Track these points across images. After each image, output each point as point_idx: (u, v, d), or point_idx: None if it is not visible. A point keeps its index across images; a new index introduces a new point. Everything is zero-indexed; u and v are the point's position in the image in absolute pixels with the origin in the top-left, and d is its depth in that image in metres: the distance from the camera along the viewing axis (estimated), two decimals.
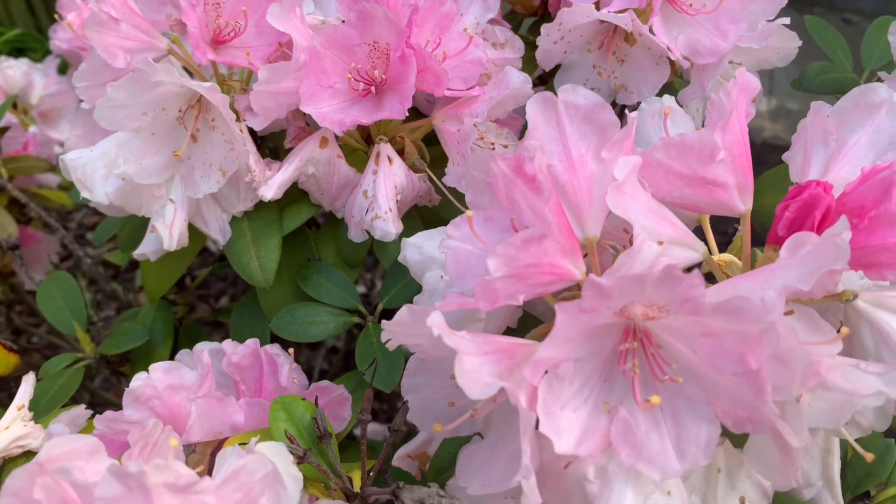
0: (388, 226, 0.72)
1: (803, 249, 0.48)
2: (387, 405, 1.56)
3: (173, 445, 0.45)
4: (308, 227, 0.87)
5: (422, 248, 0.64)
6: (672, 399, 0.48)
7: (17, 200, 1.41)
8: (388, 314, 0.83)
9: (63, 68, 1.83)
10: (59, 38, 1.48)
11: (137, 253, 0.79)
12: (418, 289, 0.63)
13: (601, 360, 0.49)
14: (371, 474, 0.51)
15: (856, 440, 0.67)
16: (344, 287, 0.79)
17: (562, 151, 0.55)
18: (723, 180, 0.56)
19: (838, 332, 0.50)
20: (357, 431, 0.58)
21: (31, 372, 0.78)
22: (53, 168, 1.60)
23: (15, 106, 1.73)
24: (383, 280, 0.81)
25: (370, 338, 0.76)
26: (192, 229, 0.80)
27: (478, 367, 0.45)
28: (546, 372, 0.47)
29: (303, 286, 0.79)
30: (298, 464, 0.47)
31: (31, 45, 2.76)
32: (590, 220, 0.55)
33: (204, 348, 0.67)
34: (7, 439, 0.72)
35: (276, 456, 0.46)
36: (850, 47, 0.96)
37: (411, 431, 0.72)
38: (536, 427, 0.48)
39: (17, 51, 2.66)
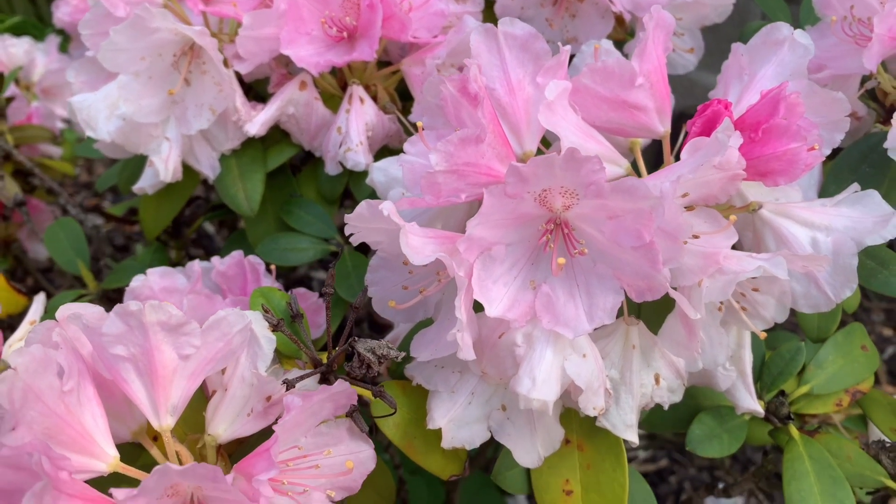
0: (358, 157, 0.81)
1: (697, 150, 0.57)
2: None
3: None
4: (292, 172, 0.96)
5: (387, 171, 0.72)
6: (587, 277, 0.57)
7: (22, 171, 1.49)
8: (364, 245, 0.92)
9: (64, 47, 1.91)
10: (62, 12, 1.56)
11: (137, 187, 0.88)
12: None
13: (529, 246, 0.58)
14: (337, 349, 0.60)
15: (768, 343, 0.77)
16: (322, 219, 0.88)
17: (502, 77, 0.64)
18: (643, 104, 0.65)
19: None
20: None
21: (41, 292, 0.87)
22: (56, 140, 1.68)
23: (17, 82, 1.80)
24: None
25: (346, 262, 0.85)
26: (187, 171, 0.89)
27: (421, 244, 0.54)
28: (481, 253, 0.56)
29: (286, 218, 0.88)
30: (273, 331, 0.56)
31: (31, 33, 2.83)
32: (527, 136, 0.64)
33: (195, 263, 0.76)
34: None
35: (253, 321, 0.55)
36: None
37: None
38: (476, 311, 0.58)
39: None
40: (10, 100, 1.57)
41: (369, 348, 0.55)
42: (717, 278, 0.58)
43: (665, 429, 0.77)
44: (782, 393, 0.78)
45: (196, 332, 0.50)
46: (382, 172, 0.72)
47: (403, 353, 0.58)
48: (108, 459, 0.51)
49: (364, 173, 0.87)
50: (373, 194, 0.89)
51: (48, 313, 1.00)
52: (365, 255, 0.85)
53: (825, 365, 0.78)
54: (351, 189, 0.91)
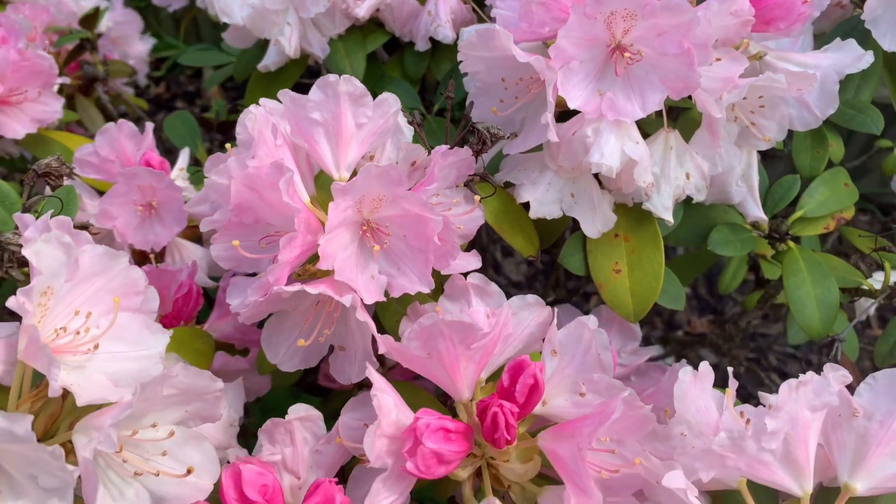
0: (446, 31, 1.02)
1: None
2: None
3: None
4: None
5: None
6: (640, 84, 0.77)
7: (100, 103, 1.68)
8: (440, 113, 1.12)
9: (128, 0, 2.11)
10: None
11: (261, 65, 1.09)
12: (464, 94, 0.91)
13: (596, 64, 0.79)
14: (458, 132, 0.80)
15: (769, 172, 0.97)
16: (409, 93, 1.09)
17: None
18: None
19: None
20: None
21: (186, 147, 1.08)
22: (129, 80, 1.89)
23: None
24: (436, 90, 1.11)
25: (430, 123, 1.06)
26: (293, 60, 1.10)
27: (522, 53, 0.75)
28: (562, 66, 0.77)
29: (379, 91, 1.09)
30: (409, 123, 0.77)
31: None
32: None
33: None
34: None
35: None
36: None
37: None
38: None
39: None
40: (100, 35, 1.78)
41: (485, 127, 0.75)
42: (732, 91, 0.79)
43: (689, 242, 0.97)
44: (782, 215, 0.98)
45: (370, 104, 0.71)
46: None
47: (509, 134, 0.78)
48: (305, 197, 0.71)
49: (441, 56, 1.09)
50: (445, 77, 1.10)
51: None
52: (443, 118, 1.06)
53: (815, 195, 0.98)
54: (431, 70, 1.11)
